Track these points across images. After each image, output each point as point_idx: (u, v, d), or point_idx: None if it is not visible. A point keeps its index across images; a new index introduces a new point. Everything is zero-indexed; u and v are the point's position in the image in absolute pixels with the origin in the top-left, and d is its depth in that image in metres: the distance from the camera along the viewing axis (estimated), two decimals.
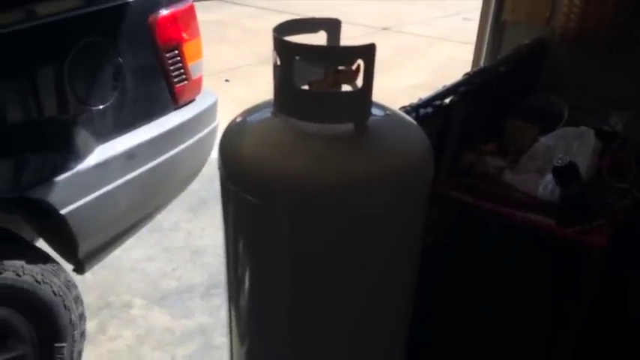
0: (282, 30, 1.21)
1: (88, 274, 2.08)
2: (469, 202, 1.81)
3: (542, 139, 1.97)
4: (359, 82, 1.21)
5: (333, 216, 1.17)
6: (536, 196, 1.80)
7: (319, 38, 1.29)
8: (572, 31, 2.26)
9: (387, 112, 1.31)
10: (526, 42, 2.35)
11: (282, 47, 1.16)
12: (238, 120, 1.31)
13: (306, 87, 1.24)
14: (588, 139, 1.92)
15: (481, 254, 2.07)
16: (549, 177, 1.77)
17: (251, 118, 1.31)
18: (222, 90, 2.68)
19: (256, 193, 1.19)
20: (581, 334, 1.77)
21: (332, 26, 1.31)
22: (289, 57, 1.15)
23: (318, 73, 1.25)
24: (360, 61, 1.17)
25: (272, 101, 1.27)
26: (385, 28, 7.83)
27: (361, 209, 1.18)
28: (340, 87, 1.27)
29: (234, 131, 1.29)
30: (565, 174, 1.72)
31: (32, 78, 1.72)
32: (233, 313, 1.46)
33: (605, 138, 1.97)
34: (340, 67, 1.25)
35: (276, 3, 8.47)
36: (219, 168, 1.27)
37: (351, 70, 1.24)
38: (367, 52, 1.13)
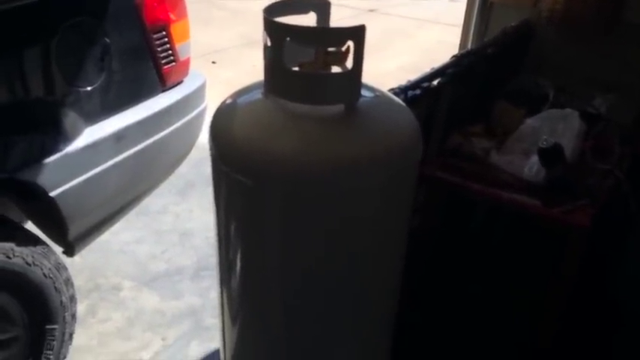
0: (272, 11, 1.21)
1: (76, 257, 2.08)
2: (456, 183, 1.84)
3: (528, 121, 1.99)
4: (349, 63, 1.22)
5: (324, 196, 1.19)
6: (521, 177, 1.83)
7: (309, 19, 1.30)
8: (559, 14, 2.27)
9: (377, 93, 1.33)
10: (513, 24, 2.37)
11: (272, 28, 1.17)
12: (229, 101, 1.32)
13: (296, 68, 1.24)
14: (573, 121, 1.95)
15: (467, 234, 2.11)
16: (535, 158, 1.80)
17: (242, 100, 1.32)
18: (209, 72, 2.67)
19: (247, 174, 1.20)
20: (564, 313, 1.82)
21: (322, 7, 1.31)
22: (280, 38, 1.16)
23: (308, 54, 1.26)
24: (350, 43, 1.18)
25: (262, 82, 1.27)
26: (372, 10, 7.79)
27: (351, 189, 1.19)
28: (330, 68, 1.28)
29: (225, 112, 1.29)
30: (550, 155, 1.75)
31: (19, 59, 1.70)
32: (224, 294, 1.48)
33: (589, 120, 2.00)
34: (330, 49, 1.25)
35: None
36: (211, 149, 1.28)
37: (341, 51, 1.24)
38: (357, 33, 1.14)
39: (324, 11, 1.32)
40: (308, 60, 1.26)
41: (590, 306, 2.01)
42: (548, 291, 1.81)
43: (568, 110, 1.99)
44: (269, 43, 1.19)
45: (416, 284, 1.82)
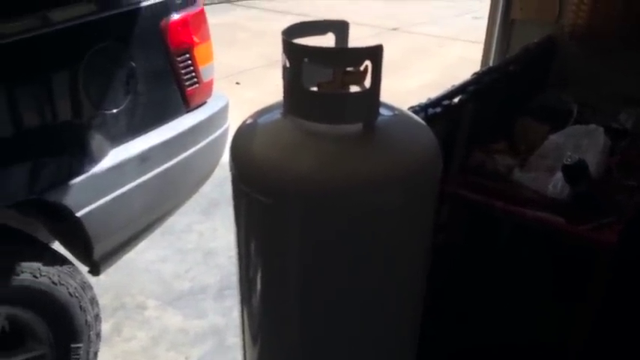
0: (290, 32, 1.23)
1: (102, 276, 2.12)
2: (479, 201, 1.82)
3: (552, 137, 1.97)
4: (367, 82, 1.23)
5: (343, 215, 1.19)
6: (546, 194, 1.80)
7: (328, 40, 1.31)
8: (581, 29, 2.26)
9: (396, 112, 1.33)
10: (535, 40, 2.35)
11: (291, 49, 1.18)
12: (249, 121, 1.33)
13: (315, 88, 1.25)
14: (598, 137, 1.92)
15: (493, 253, 2.07)
16: (559, 175, 1.77)
17: (261, 120, 1.33)
18: (233, 92, 2.71)
19: (267, 194, 1.20)
20: (592, 332, 1.77)
21: (340, 28, 1.32)
22: (298, 59, 1.17)
23: (327, 74, 1.27)
24: (368, 62, 1.19)
25: (282, 102, 1.29)
26: (394, 29, 7.83)
27: (370, 208, 1.19)
28: (348, 88, 1.28)
29: (245, 133, 1.31)
30: (574, 172, 1.72)
31: (47, 83, 1.75)
32: (245, 313, 1.48)
33: (614, 135, 1.97)
34: (348, 69, 1.26)
35: (283, 5, 8.52)
36: (231, 169, 1.29)
37: (359, 71, 1.25)
38: (375, 53, 1.15)
39: (342, 31, 1.33)
40: (326, 80, 1.27)
41: (622, 327, 1.96)
42: (576, 310, 1.76)
43: (592, 126, 1.96)
44: (288, 65, 1.21)
45: (439, 301, 1.79)
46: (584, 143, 1.89)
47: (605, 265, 1.67)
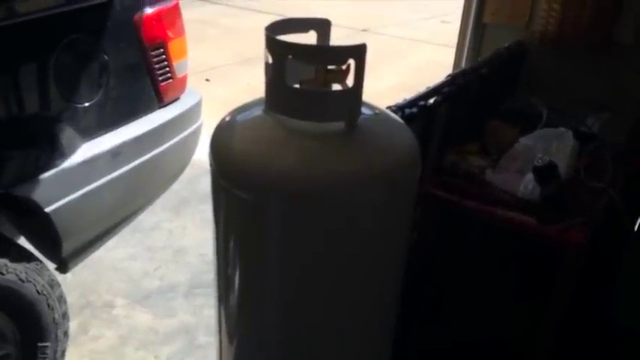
0: (273, 29, 1.22)
1: (68, 274, 2.07)
2: (452, 201, 1.85)
3: (522, 140, 2.01)
4: (349, 81, 1.24)
5: (323, 213, 1.19)
6: (516, 194, 1.84)
7: (308, 38, 1.31)
8: (551, 34, 2.31)
9: (376, 111, 1.34)
10: (506, 45, 2.40)
11: (274, 46, 1.18)
12: (229, 117, 1.32)
13: (297, 85, 1.25)
14: (567, 140, 1.97)
15: (463, 252, 2.11)
16: (530, 176, 1.82)
17: (242, 116, 1.32)
18: (202, 89, 2.66)
19: (247, 190, 1.20)
20: (561, 329, 1.82)
21: (322, 26, 1.33)
22: (282, 56, 1.17)
23: (307, 72, 1.27)
24: (351, 61, 1.19)
25: (263, 99, 1.28)
26: (364, 30, 7.88)
27: (350, 206, 1.20)
28: (330, 86, 1.29)
29: (225, 128, 1.30)
30: (545, 173, 1.77)
31: (17, 75, 1.70)
32: (222, 312, 1.46)
33: (582, 139, 2.02)
34: (330, 67, 1.27)
35: (255, 3, 8.47)
36: (211, 165, 1.28)
37: (342, 69, 1.26)
38: (359, 51, 1.16)
39: (324, 30, 1.33)
40: (308, 77, 1.27)
41: (587, 324, 2.02)
42: (545, 308, 1.81)
43: (562, 129, 2.02)
44: (270, 61, 1.20)
45: (412, 299, 1.81)
46: (553, 146, 1.94)
47: (572, 265, 1.72)
